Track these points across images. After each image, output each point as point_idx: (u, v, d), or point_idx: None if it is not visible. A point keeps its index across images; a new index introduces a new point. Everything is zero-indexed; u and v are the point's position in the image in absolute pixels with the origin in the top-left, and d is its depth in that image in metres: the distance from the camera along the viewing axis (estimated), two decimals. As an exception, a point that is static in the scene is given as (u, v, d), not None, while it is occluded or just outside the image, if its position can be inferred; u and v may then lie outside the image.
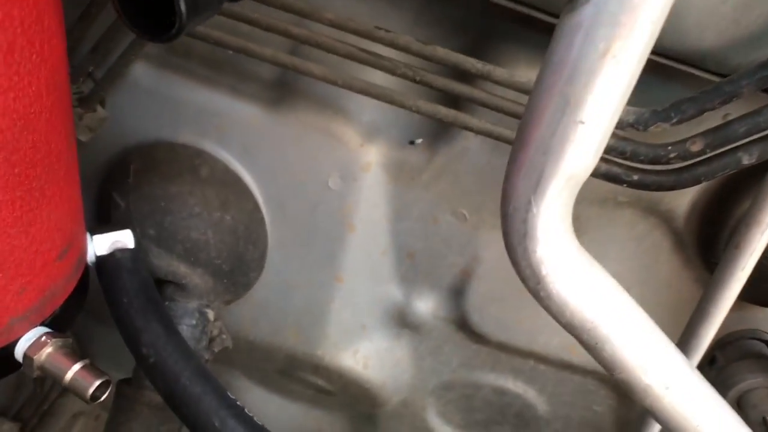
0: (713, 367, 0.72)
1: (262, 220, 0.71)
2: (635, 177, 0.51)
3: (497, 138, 0.53)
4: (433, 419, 0.96)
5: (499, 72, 0.50)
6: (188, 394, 0.46)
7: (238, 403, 0.48)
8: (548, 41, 0.32)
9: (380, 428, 1.00)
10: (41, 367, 0.43)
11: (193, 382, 0.46)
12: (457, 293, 0.77)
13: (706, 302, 0.54)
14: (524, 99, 0.51)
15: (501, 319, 0.77)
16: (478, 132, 0.54)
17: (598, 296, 0.36)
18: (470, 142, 0.64)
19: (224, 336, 0.72)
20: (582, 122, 0.28)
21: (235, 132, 0.68)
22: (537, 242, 0.33)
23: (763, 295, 0.65)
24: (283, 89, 0.66)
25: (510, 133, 0.53)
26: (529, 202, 0.32)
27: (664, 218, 0.66)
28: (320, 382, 0.90)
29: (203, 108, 0.68)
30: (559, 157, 0.30)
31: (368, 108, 0.66)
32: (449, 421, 0.96)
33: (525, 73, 0.52)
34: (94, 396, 0.43)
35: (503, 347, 0.81)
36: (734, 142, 0.47)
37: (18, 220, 0.37)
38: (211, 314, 0.68)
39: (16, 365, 0.44)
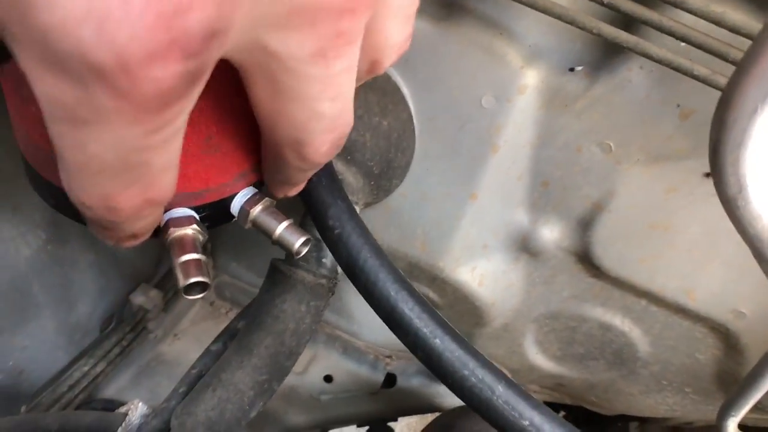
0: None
1: (413, 130, 0.75)
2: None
3: (677, 68, 0.55)
4: (530, 346, 1.01)
5: (693, 0, 0.51)
6: (369, 265, 0.52)
7: (410, 282, 0.53)
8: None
9: (476, 347, 1.05)
10: (254, 221, 0.49)
11: (372, 255, 0.52)
12: (584, 225, 0.79)
13: None
14: (717, 31, 0.52)
15: (624, 255, 0.80)
16: (658, 61, 0.55)
17: (791, 213, 0.38)
18: (633, 73, 0.66)
19: (364, 234, 0.77)
20: (835, 35, 0.31)
21: (399, 43, 0.72)
22: (751, 151, 0.36)
23: None
24: (451, 5, 0.69)
25: (690, 65, 0.55)
26: (755, 111, 0.34)
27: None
28: (432, 294, 0.95)
29: (373, 17, 0.71)
30: (800, 68, 0.32)
31: (533, 30, 0.68)
32: (546, 350, 1.00)
33: (720, 4, 0.52)
34: (299, 251, 0.49)
35: (619, 284, 0.83)
36: None
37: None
38: (357, 210, 0.74)
39: (230, 217, 0.50)
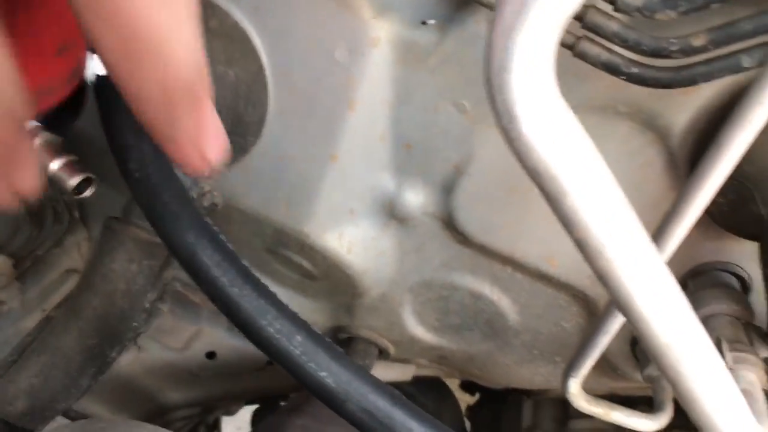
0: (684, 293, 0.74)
1: (265, 84, 0.72)
2: (634, 70, 0.51)
3: (505, 14, 0.53)
4: (409, 317, 0.99)
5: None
6: (168, 211, 0.48)
7: (215, 228, 0.50)
8: None
9: (357, 320, 1.03)
10: (30, 158, 0.45)
11: (173, 200, 0.48)
12: (447, 190, 0.78)
13: (684, 199, 0.55)
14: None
15: (486, 220, 0.79)
16: (488, 6, 0.54)
17: (568, 146, 0.37)
18: (481, 28, 0.64)
19: (215, 193, 0.74)
20: (574, -60, 0.29)
21: (249, -11, 0.68)
22: (515, 76, 0.34)
23: (740, 223, 0.65)
24: (302, -49, 0.66)
25: (518, 11, 0.53)
26: (512, 29, 0.32)
27: (661, 134, 0.66)
28: (305, 263, 0.92)
29: (220, -40, 0.67)
30: (548, -21, 0.30)
31: (385, -19, 0.65)
32: (424, 321, 0.99)
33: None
34: (78, 189, 0.45)
35: (484, 250, 0.82)
36: (739, 40, 0.47)
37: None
38: (204, 168, 0.70)
39: (7, 154, 0.46)
